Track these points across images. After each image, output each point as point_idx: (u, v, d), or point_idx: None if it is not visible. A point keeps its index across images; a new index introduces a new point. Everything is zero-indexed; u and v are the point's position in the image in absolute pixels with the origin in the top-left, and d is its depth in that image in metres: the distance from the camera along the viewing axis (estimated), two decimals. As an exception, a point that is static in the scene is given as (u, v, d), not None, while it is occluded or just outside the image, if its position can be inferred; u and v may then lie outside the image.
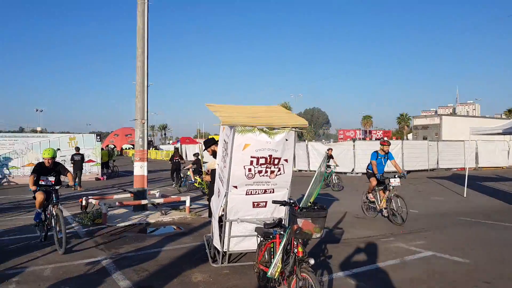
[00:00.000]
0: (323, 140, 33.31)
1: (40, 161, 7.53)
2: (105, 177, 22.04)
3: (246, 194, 5.57)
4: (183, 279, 5.43)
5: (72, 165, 17.28)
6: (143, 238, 7.87)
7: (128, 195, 11.19)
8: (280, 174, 5.56)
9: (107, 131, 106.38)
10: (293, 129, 5.39)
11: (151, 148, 62.09)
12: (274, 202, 4.64)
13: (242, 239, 5.83)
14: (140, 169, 10.40)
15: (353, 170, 24.49)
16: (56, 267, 5.91)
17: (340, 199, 13.46)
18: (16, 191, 16.07)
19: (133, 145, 75.13)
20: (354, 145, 24.70)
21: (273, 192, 5.69)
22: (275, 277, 4.41)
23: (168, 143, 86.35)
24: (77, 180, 16.90)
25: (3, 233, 8.27)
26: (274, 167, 5.48)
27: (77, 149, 17.93)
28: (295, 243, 4.24)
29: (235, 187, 5.49)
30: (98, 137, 22.07)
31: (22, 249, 6.94)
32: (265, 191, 5.64)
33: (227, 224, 5.65)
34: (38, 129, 73.98)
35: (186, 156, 43.07)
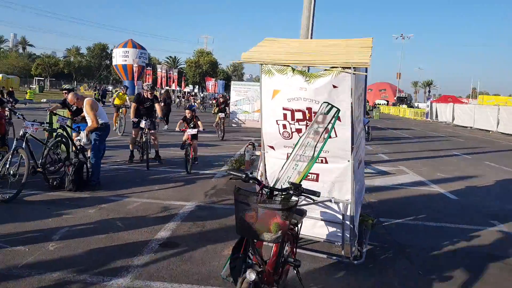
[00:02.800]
0: None
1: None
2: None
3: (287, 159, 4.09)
4: (215, 248, 4.61)
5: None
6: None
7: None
8: (330, 138, 3.75)
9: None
10: (346, 70, 3.44)
11: (398, 105, 57.87)
12: (230, 174, 3.09)
13: (292, 218, 4.42)
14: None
15: None
16: (146, 202, 6.20)
17: None
18: (245, 133, 18.25)
19: (387, 100, 72.18)
20: None
21: (325, 162, 3.96)
22: (232, 282, 3.06)
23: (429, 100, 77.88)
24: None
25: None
26: (319, 127, 3.72)
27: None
28: (248, 242, 2.76)
29: (272, 147, 4.12)
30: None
31: (168, 179, 7.71)
32: (313, 160, 3.98)
33: (270, 194, 4.37)
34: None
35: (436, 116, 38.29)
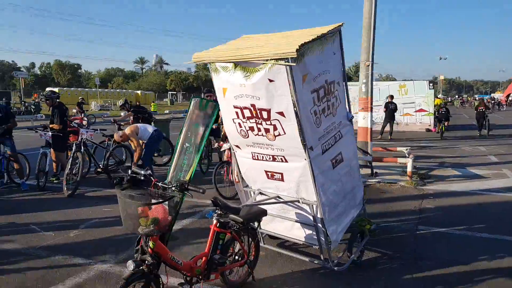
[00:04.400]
0: None
1: None
2: (437, 128, 19.92)
3: (253, 159, 4.02)
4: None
5: (384, 113, 16.92)
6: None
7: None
8: (279, 135, 3.57)
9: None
10: (280, 62, 3.24)
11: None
12: (132, 171, 3.12)
13: (272, 218, 4.28)
14: (363, 120, 9.02)
15: None
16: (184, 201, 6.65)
17: None
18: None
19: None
20: None
21: (285, 161, 3.77)
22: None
23: None
24: (388, 129, 16.50)
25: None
26: (267, 124, 3.58)
27: (391, 97, 17.17)
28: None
29: (238, 147, 4.09)
30: (431, 85, 19.93)
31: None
32: (273, 158, 3.83)
33: (251, 193, 4.34)
34: (441, 77, 73.59)
35: None
